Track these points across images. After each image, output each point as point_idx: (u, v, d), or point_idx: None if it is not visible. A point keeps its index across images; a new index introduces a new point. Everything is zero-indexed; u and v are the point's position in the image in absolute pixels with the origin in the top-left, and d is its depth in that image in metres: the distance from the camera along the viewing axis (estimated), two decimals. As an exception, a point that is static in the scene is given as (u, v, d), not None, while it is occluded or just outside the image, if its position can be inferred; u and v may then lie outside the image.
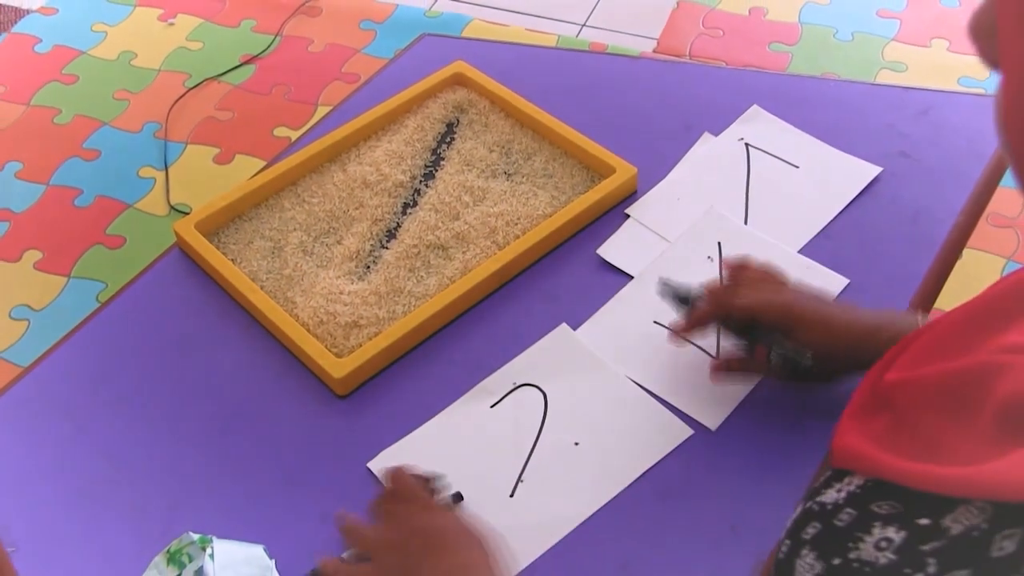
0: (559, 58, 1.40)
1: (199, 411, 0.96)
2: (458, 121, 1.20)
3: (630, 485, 0.86)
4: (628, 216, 1.08)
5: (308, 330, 0.99)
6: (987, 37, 0.47)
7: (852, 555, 0.50)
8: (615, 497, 0.86)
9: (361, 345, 0.97)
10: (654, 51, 2.39)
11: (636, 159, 1.10)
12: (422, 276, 1.04)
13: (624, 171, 1.09)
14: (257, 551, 0.82)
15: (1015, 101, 0.46)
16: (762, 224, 1.06)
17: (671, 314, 0.97)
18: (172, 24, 2.57)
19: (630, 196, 1.10)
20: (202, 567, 0.78)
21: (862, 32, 2.40)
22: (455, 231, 1.07)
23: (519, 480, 0.88)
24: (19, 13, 2.64)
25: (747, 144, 1.14)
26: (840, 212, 1.06)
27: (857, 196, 1.08)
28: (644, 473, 0.87)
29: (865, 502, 0.52)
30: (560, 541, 0.83)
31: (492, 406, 0.93)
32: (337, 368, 0.94)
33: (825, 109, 1.18)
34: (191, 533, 0.81)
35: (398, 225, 1.09)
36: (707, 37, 2.42)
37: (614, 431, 0.90)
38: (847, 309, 0.87)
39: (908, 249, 1.03)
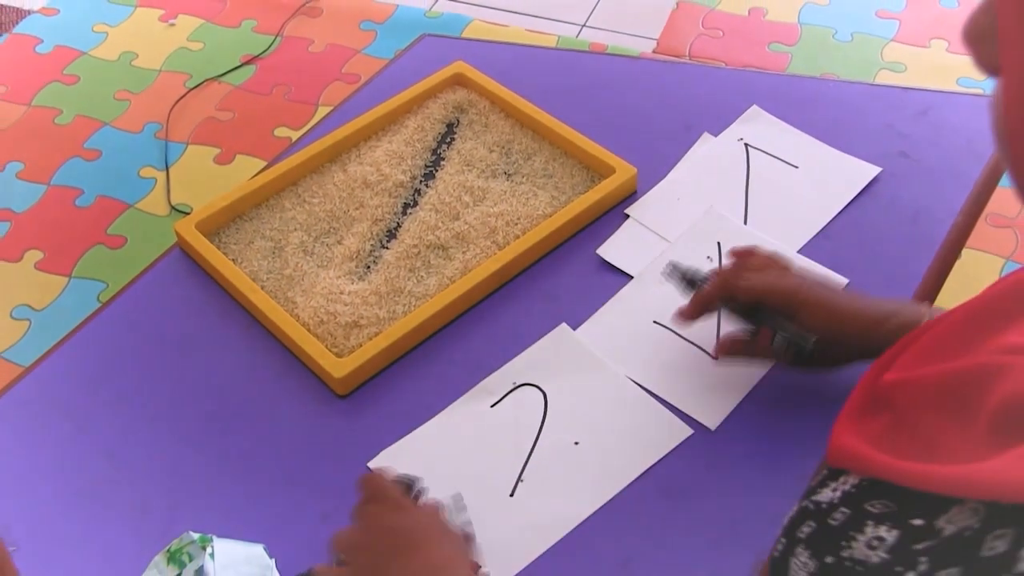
0: (559, 58, 1.41)
1: (200, 411, 0.96)
2: (458, 121, 1.20)
3: (630, 484, 0.87)
4: (628, 216, 1.09)
5: (308, 330, 0.99)
6: (983, 42, 0.47)
7: (845, 554, 0.50)
8: (615, 496, 0.86)
9: (361, 345, 0.97)
10: (654, 51, 2.39)
11: (636, 159, 1.11)
12: (422, 276, 1.04)
13: (624, 171, 1.09)
14: (257, 550, 0.82)
15: (1016, 105, 0.46)
16: (762, 224, 1.06)
17: (671, 314, 0.97)
18: (173, 25, 2.57)
19: (630, 196, 1.10)
20: (202, 566, 0.78)
21: (861, 32, 2.41)
22: (455, 231, 1.07)
23: (519, 479, 0.88)
24: (20, 14, 2.64)
25: (747, 144, 1.14)
26: (839, 212, 1.07)
27: (856, 196, 1.08)
28: (644, 472, 0.87)
29: (859, 501, 0.52)
30: (560, 540, 0.84)
31: (492, 406, 0.93)
32: (337, 368, 0.94)
33: (824, 109, 1.18)
34: (191, 532, 0.81)
35: (398, 225, 1.10)
36: (707, 37, 2.42)
37: (614, 431, 0.90)
38: (854, 296, 0.87)
39: (907, 249, 1.03)
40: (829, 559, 0.51)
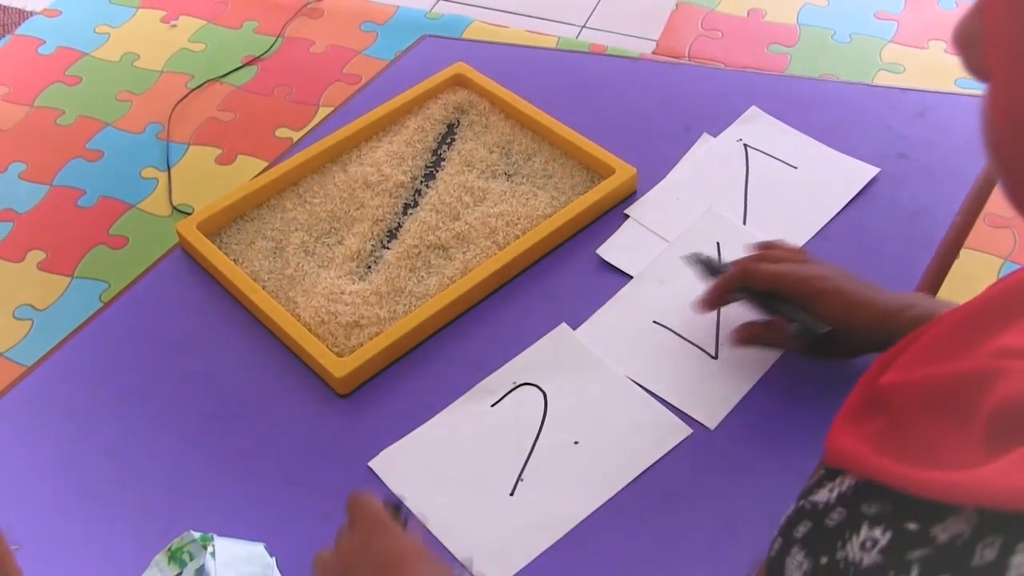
0: (559, 59, 1.41)
1: (201, 410, 0.96)
2: (458, 122, 1.20)
3: (629, 484, 0.87)
4: (627, 216, 1.09)
5: (309, 330, 0.99)
6: (972, 46, 0.47)
7: (839, 555, 0.50)
8: (614, 496, 0.86)
9: (362, 345, 0.97)
10: (653, 52, 2.39)
11: (636, 159, 1.11)
12: (423, 276, 1.04)
13: (623, 171, 1.10)
14: (258, 549, 0.83)
15: (1003, 110, 0.45)
16: (761, 224, 1.07)
17: (671, 314, 0.98)
18: (174, 26, 2.58)
19: (629, 196, 1.11)
20: (203, 565, 0.79)
21: (860, 34, 2.41)
22: (455, 231, 1.07)
23: (519, 479, 0.88)
24: (23, 15, 2.65)
25: (746, 145, 1.15)
26: (838, 213, 1.07)
27: (855, 197, 1.08)
28: (643, 472, 0.87)
29: (856, 502, 0.52)
30: (560, 540, 0.84)
31: (492, 405, 0.94)
32: (338, 367, 0.95)
33: (823, 110, 1.18)
34: (192, 531, 0.81)
35: (399, 225, 1.10)
36: (706, 38, 2.43)
37: (614, 430, 0.91)
38: (871, 288, 0.88)
39: (906, 249, 1.03)
40: (824, 560, 0.51)
